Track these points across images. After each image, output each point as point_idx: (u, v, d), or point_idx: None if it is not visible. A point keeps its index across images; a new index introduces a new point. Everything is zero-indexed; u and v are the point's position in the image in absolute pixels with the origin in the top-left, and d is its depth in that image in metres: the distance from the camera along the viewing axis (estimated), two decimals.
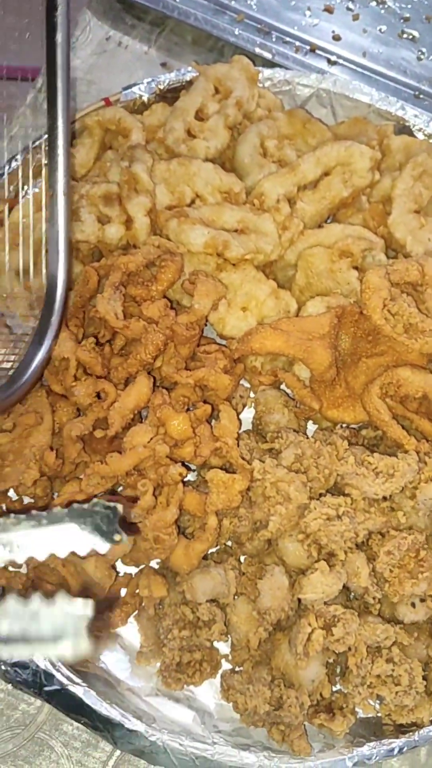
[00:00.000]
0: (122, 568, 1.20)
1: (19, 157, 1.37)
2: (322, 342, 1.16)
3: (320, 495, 1.13)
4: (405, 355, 1.17)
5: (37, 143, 1.38)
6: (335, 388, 1.22)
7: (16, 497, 1.21)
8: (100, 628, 1.15)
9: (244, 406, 1.29)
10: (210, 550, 1.18)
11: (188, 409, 1.17)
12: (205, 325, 1.27)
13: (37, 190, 1.38)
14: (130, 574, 1.20)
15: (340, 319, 1.19)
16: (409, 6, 1.64)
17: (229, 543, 1.20)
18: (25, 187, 1.38)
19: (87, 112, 1.40)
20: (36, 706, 1.19)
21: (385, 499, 1.13)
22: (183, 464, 1.14)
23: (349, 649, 1.10)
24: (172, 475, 1.07)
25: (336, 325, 1.18)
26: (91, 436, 1.16)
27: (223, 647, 1.19)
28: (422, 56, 1.57)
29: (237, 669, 1.16)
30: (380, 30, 1.62)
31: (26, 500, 1.21)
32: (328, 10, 1.59)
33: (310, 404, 1.21)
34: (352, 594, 1.18)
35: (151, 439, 1.10)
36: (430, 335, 1.13)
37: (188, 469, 1.16)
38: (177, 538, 1.10)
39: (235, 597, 1.15)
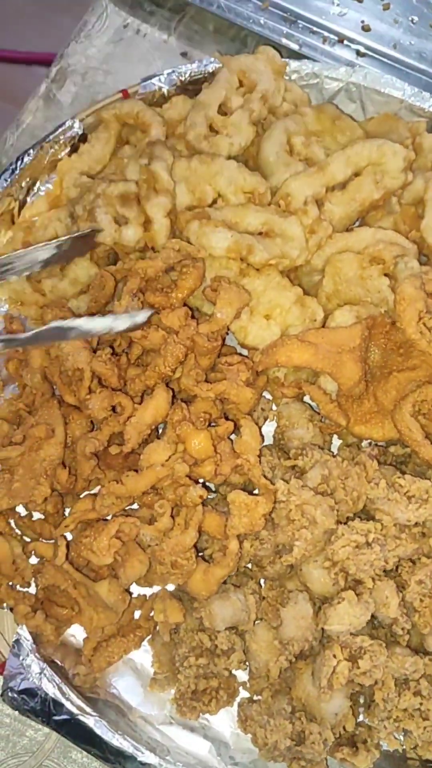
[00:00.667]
0: (136, 589, 1.14)
1: (31, 151, 1.31)
2: (352, 355, 1.10)
3: (348, 519, 1.07)
4: None
5: (51, 137, 1.32)
6: (363, 403, 1.15)
7: (25, 512, 1.16)
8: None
9: (265, 419, 1.23)
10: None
11: (209, 425, 1.11)
12: (227, 334, 1.20)
13: (50, 186, 1.32)
14: (145, 596, 1.14)
15: (371, 331, 1.13)
16: None
17: (249, 565, 1.14)
18: (38, 184, 1.33)
19: (103, 104, 1.34)
20: (44, 733, 1.14)
21: (416, 524, 1.07)
22: (203, 484, 1.08)
23: (376, 682, 1.04)
24: (192, 497, 1.01)
25: (366, 337, 1.11)
26: (105, 452, 1.10)
27: (241, 674, 1.13)
28: None
29: (255, 698, 1.11)
30: (412, 20, 1.54)
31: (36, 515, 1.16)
32: None
33: (336, 420, 1.14)
34: (377, 621, 1.12)
35: (170, 457, 1.04)
36: None
37: (208, 490, 1.10)
38: (195, 562, 1.04)
39: (255, 623, 1.09)
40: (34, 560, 1.14)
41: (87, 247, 1.15)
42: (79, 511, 1.08)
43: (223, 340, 1.17)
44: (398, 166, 1.24)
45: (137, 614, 1.14)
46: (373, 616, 1.07)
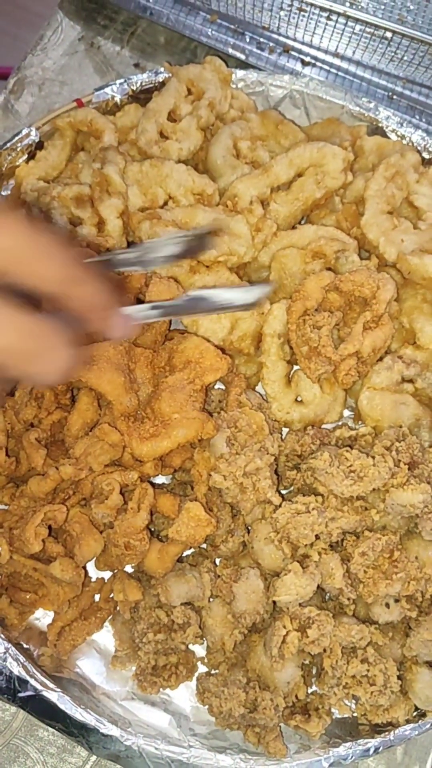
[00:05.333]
0: (95, 573, 1.19)
1: None
2: (110, 364, 1.13)
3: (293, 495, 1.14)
4: None
5: (9, 144, 1.37)
6: (144, 421, 1.17)
7: None
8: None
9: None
10: (185, 553, 1.18)
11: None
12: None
13: (7, 192, 1.37)
14: (103, 579, 1.19)
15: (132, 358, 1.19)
16: (382, 7, 1.64)
17: (204, 545, 1.20)
18: None
19: (59, 113, 1.40)
20: (11, 713, 1.18)
21: (359, 498, 1.13)
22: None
23: (324, 650, 1.10)
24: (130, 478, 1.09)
25: (126, 352, 1.16)
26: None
27: (199, 650, 1.18)
28: (395, 57, 1.57)
29: (213, 672, 1.16)
30: (354, 30, 1.62)
31: None
32: (302, 10, 1.58)
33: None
34: (327, 595, 1.18)
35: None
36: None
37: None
38: (148, 543, 1.09)
39: (210, 600, 1.15)
40: None
41: (204, 247, 1.12)
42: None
43: (163, 337, 1.23)
44: (338, 166, 1.31)
45: (97, 597, 1.19)
46: (321, 589, 1.14)
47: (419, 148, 1.43)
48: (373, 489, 1.11)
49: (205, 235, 1.08)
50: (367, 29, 1.56)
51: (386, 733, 1.12)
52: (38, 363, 0.66)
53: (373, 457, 1.13)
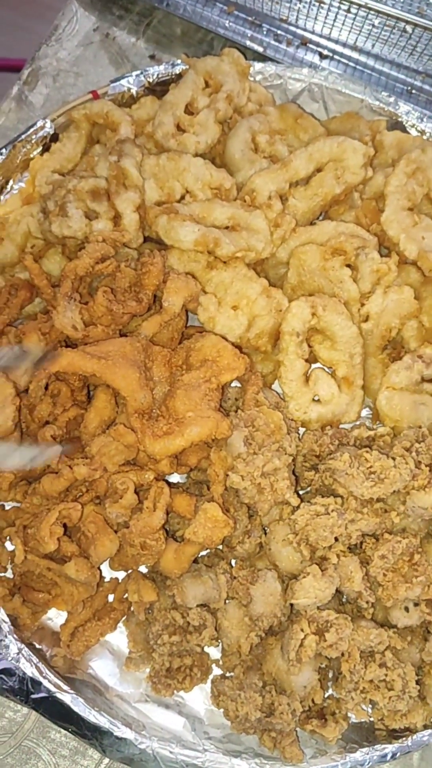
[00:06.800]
0: (109, 573, 1.17)
1: (4, 150, 1.34)
2: (125, 360, 1.12)
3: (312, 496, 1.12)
4: None
5: (23, 137, 1.35)
6: (158, 420, 1.15)
7: None
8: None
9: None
10: (201, 553, 1.16)
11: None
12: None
13: (23, 184, 1.35)
14: (117, 579, 1.17)
15: (149, 355, 1.17)
16: (401, 0, 1.62)
17: (220, 546, 1.18)
18: (11, 182, 1.36)
19: (74, 105, 1.38)
20: (23, 714, 1.16)
21: (378, 500, 1.11)
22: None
23: (342, 654, 1.08)
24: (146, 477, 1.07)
25: (144, 350, 1.15)
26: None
27: (214, 652, 1.17)
28: (415, 51, 1.54)
29: (228, 674, 1.14)
30: (373, 23, 1.59)
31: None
32: (320, 2, 1.56)
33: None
34: (345, 597, 1.16)
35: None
36: None
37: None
38: (164, 543, 1.08)
39: (226, 601, 1.13)
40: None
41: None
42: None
43: (180, 335, 1.21)
44: (358, 162, 1.29)
45: (111, 598, 1.17)
46: (339, 592, 1.12)
47: None
48: (394, 491, 1.09)
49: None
50: (387, 22, 1.53)
51: (404, 738, 1.10)
52: None
53: (394, 459, 1.11)
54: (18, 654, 1.08)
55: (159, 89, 1.41)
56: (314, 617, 1.07)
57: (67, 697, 1.06)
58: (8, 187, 1.36)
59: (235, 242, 1.22)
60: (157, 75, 1.42)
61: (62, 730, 1.12)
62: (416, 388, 1.24)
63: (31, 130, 1.36)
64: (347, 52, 1.58)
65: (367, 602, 1.10)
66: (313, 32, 1.58)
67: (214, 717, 1.14)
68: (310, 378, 1.26)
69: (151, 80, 1.42)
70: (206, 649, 1.16)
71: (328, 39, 1.58)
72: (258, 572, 1.12)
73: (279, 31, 1.57)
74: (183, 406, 1.11)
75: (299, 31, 1.58)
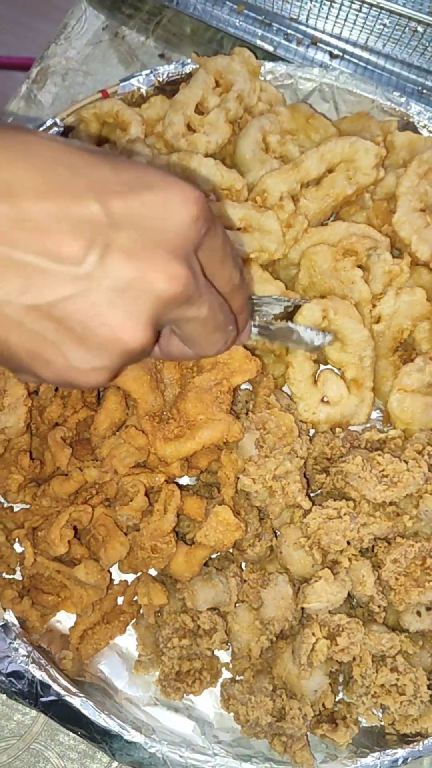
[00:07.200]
0: (118, 575, 1.17)
1: None
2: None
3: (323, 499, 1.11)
4: None
5: None
6: (169, 422, 1.13)
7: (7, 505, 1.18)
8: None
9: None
10: (211, 556, 1.15)
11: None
12: None
13: None
14: (126, 581, 1.17)
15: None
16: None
17: (231, 549, 1.17)
18: None
19: (83, 104, 1.37)
20: (31, 717, 1.16)
21: (391, 503, 1.10)
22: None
23: (354, 658, 1.08)
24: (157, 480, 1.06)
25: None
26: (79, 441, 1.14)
27: (224, 656, 1.16)
28: (426, 51, 1.53)
29: (238, 678, 1.14)
30: (384, 23, 1.58)
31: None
32: (331, 1, 1.55)
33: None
34: (355, 601, 1.16)
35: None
36: None
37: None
38: (175, 546, 1.07)
39: (237, 605, 1.12)
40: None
41: (292, 315, 1.17)
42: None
43: None
44: (370, 162, 1.28)
45: (120, 601, 1.17)
46: (351, 596, 1.11)
47: None
48: (407, 495, 1.08)
49: (299, 306, 1.16)
50: (399, 22, 1.52)
51: (415, 743, 1.09)
52: (220, 334, 0.74)
53: (406, 462, 1.11)
54: (27, 657, 1.08)
55: (169, 88, 1.40)
56: (326, 621, 1.07)
57: (77, 701, 1.06)
58: None
59: (248, 243, 1.21)
60: (167, 74, 1.41)
61: (71, 734, 1.11)
62: (428, 391, 1.23)
63: (41, 129, 1.35)
64: (358, 51, 1.57)
65: (378, 606, 1.09)
66: (323, 31, 1.57)
67: (223, 721, 1.13)
68: (319, 379, 1.25)
69: (161, 79, 1.41)
70: (216, 652, 1.15)
71: (339, 38, 1.57)
72: (269, 576, 1.11)
73: (289, 30, 1.56)
74: (194, 408, 1.10)
75: (310, 30, 1.57)
